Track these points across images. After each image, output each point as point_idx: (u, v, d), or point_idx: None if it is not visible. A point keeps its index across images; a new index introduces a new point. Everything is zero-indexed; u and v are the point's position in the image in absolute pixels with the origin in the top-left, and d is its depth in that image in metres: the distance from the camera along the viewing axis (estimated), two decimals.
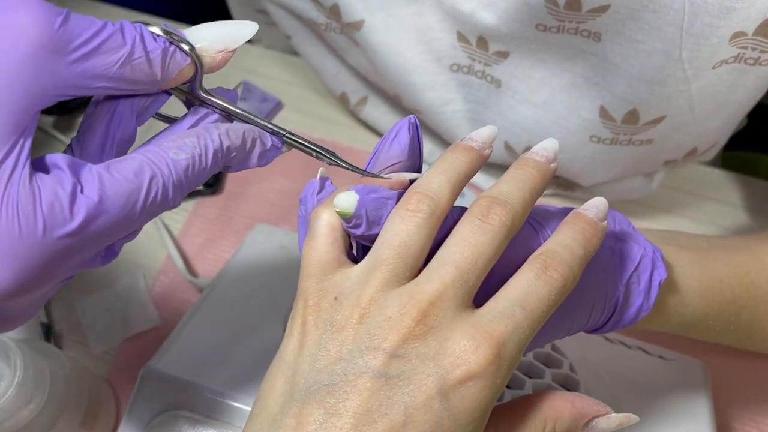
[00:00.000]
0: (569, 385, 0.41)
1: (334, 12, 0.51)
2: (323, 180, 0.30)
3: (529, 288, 0.25)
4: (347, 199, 0.25)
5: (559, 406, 0.26)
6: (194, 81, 0.28)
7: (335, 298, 0.25)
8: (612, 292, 0.30)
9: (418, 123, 0.29)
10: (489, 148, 0.28)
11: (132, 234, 0.27)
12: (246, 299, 0.44)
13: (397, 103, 0.59)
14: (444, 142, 0.60)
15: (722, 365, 0.51)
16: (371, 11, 0.50)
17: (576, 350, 0.44)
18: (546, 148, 0.29)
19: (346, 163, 0.29)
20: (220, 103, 0.28)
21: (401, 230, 0.25)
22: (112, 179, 0.24)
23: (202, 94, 0.28)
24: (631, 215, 0.60)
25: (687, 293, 0.35)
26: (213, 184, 0.61)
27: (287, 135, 0.29)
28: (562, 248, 0.26)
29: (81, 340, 0.55)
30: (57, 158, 0.24)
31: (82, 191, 0.23)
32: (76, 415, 0.45)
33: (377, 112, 0.62)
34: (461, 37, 0.48)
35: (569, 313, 0.29)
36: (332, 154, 0.30)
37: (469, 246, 0.25)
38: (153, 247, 0.59)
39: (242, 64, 0.69)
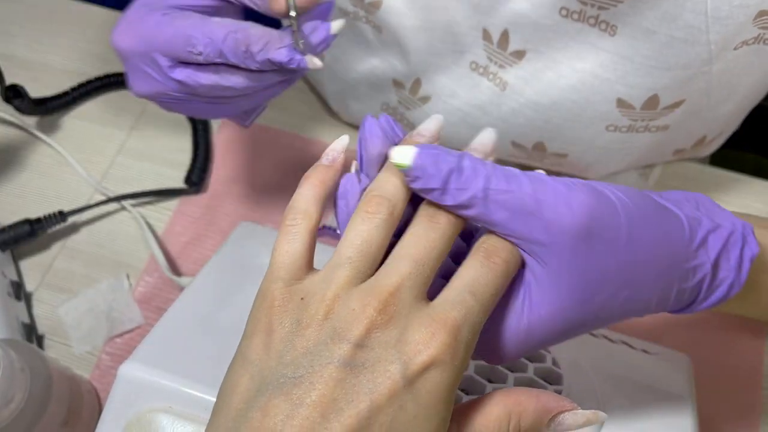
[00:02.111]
0: (552, 379, 0.41)
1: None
2: (358, 173, 0.30)
3: (476, 275, 0.27)
4: (405, 153, 0.27)
5: (524, 400, 0.27)
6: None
7: (302, 299, 0.26)
8: (700, 269, 0.30)
9: (371, 119, 0.30)
10: (437, 139, 0.30)
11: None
12: (228, 297, 0.44)
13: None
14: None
15: (706, 358, 0.51)
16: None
17: (559, 345, 0.44)
18: (483, 143, 0.30)
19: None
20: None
21: (363, 230, 0.27)
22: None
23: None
24: None
25: None
26: (197, 183, 0.61)
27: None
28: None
29: (64, 341, 0.54)
30: None
31: None
32: (57, 415, 0.45)
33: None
34: (486, 35, 0.48)
35: (651, 291, 0.29)
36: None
37: (422, 242, 0.27)
38: (136, 247, 0.58)
39: None
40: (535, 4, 0.44)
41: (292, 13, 0.34)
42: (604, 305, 0.28)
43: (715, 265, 0.30)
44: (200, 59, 0.34)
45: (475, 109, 0.53)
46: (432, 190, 0.27)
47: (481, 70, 0.51)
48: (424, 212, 0.28)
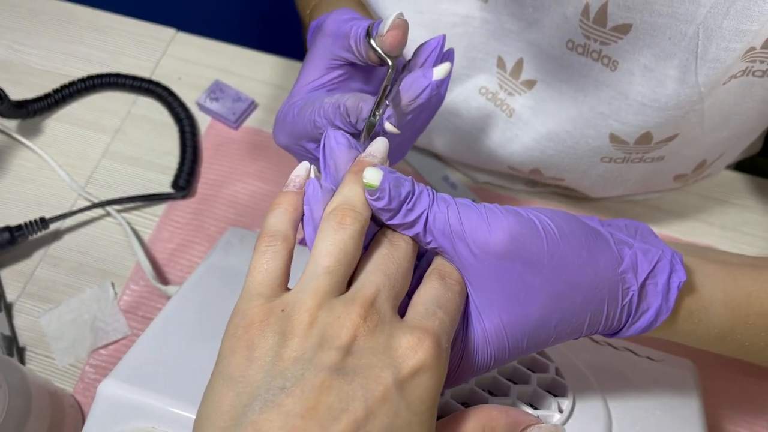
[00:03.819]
0: (556, 389, 0.39)
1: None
2: (319, 179, 0.31)
3: (437, 294, 0.29)
4: (375, 174, 0.28)
5: (495, 415, 0.29)
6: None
7: (282, 310, 0.26)
8: (626, 293, 0.31)
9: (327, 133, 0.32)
10: (386, 161, 0.31)
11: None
12: (216, 305, 0.42)
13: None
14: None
15: (711, 365, 0.49)
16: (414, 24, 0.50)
17: (562, 354, 0.42)
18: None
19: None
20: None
21: (338, 240, 0.27)
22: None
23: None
24: (658, 222, 0.59)
25: (711, 302, 0.35)
26: (184, 187, 0.59)
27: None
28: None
29: (46, 353, 0.52)
30: None
31: None
32: (38, 431, 0.43)
33: None
34: (500, 62, 0.50)
35: (580, 313, 0.30)
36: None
37: (388, 260, 0.29)
38: (121, 254, 0.56)
39: (215, 64, 0.66)
40: (546, 35, 0.45)
41: (388, 62, 0.34)
42: (537, 327, 0.30)
43: (642, 289, 0.32)
44: None
45: (477, 130, 0.54)
46: (390, 210, 0.29)
47: (489, 95, 0.52)
48: (383, 235, 0.30)
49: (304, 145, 0.39)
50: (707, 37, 0.40)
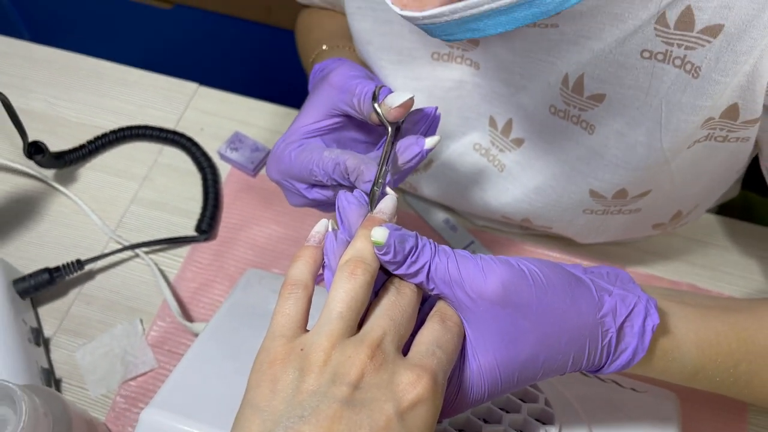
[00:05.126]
0: (544, 418, 0.44)
1: None
2: (336, 232, 0.35)
3: (438, 334, 0.33)
4: (382, 233, 0.32)
5: None
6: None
7: (301, 350, 0.31)
8: (606, 334, 0.35)
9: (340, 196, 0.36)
10: (395, 216, 0.36)
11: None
12: (240, 342, 0.47)
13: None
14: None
15: (692, 396, 0.53)
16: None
17: (552, 385, 0.46)
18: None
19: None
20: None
21: (350, 288, 0.32)
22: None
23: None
24: (644, 263, 0.63)
25: (683, 342, 0.39)
26: (207, 231, 0.64)
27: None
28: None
29: (80, 384, 0.57)
30: None
31: None
32: None
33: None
34: (492, 122, 0.55)
35: (564, 352, 0.34)
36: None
37: (395, 307, 0.33)
38: (150, 293, 0.61)
39: (235, 116, 0.72)
40: (533, 99, 0.50)
41: (389, 128, 0.39)
42: (527, 364, 0.34)
43: (620, 331, 0.36)
44: (323, 182, 0.42)
45: (471, 183, 0.59)
46: (395, 262, 0.33)
47: (483, 151, 0.57)
48: (391, 283, 0.34)
49: (294, 184, 0.43)
50: (669, 110, 0.44)
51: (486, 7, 0.32)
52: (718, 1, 0.39)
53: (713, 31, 0.40)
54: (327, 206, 0.45)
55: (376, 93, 0.39)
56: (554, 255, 0.64)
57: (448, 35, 0.35)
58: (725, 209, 0.71)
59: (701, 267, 0.63)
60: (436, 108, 0.41)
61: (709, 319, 0.41)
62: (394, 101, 0.38)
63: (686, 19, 0.40)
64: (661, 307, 0.38)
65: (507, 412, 0.43)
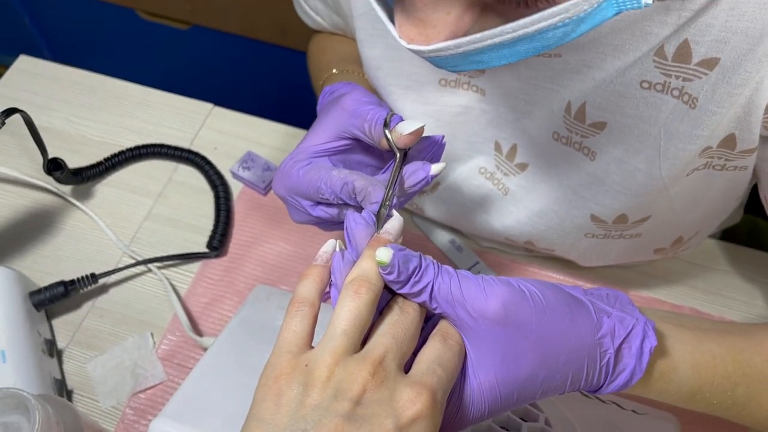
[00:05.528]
0: None
1: None
2: (343, 251, 0.37)
3: (439, 352, 0.34)
4: (386, 253, 0.33)
5: None
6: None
7: (306, 365, 0.32)
8: (604, 355, 0.36)
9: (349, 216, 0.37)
10: (401, 235, 0.37)
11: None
12: (248, 356, 0.48)
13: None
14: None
15: (693, 419, 0.54)
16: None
17: (552, 405, 0.47)
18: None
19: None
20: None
21: (354, 307, 0.33)
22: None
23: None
24: (647, 286, 0.64)
25: (680, 363, 0.40)
26: (218, 247, 0.65)
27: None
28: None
29: (91, 396, 0.58)
30: None
31: None
32: None
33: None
34: (497, 146, 0.56)
35: (563, 372, 0.35)
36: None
37: (397, 326, 0.34)
38: (161, 307, 0.63)
39: (248, 136, 0.74)
40: (537, 125, 0.52)
41: (397, 153, 0.41)
42: (526, 383, 0.35)
43: (619, 352, 0.36)
44: (329, 200, 0.43)
45: (476, 206, 0.60)
46: (399, 282, 0.34)
47: (488, 174, 0.58)
48: (395, 303, 0.35)
49: (299, 200, 0.44)
50: (667, 139, 0.46)
51: (489, 42, 0.33)
52: (715, 35, 0.40)
53: (709, 63, 0.41)
54: (329, 224, 0.46)
55: (388, 120, 0.41)
56: (558, 277, 0.65)
57: (454, 66, 0.37)
58: (731, 234, 0.72)
59: (703, 291, 0.64)
60: (443, 136, 0.43)
61: (705, 342, 0.41)
62: (405, 129, 0.40)
63: (684, 52, 0.41)
64: (658, 329, 0.39)
65: (507, 430, 0.44)
